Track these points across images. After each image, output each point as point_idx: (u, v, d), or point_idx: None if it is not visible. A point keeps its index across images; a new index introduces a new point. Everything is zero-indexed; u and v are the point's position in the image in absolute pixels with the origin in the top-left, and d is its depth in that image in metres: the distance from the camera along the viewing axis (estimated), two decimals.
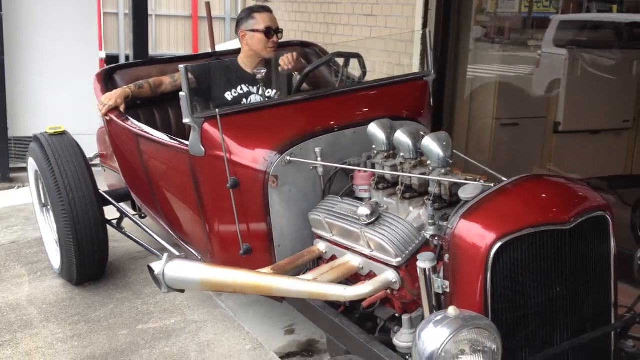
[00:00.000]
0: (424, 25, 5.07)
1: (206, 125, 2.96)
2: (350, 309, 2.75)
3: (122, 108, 3.76)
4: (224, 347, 3.47)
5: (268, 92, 3.71)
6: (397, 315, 2.61)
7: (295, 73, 3.63)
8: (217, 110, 2.91)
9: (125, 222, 4.28)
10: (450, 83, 5.15)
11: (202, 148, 3.00)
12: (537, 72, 5.91)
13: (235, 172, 2.95)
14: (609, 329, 2.39)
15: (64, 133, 4.14)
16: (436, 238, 2.30)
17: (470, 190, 2.36)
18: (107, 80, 4.00)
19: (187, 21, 13.19)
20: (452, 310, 1.97)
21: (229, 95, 3.72)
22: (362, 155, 3.02)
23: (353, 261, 2.71)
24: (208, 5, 7.00)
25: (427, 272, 2.27)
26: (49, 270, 4.39)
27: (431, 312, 2.33)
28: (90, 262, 4.03)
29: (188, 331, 3.64)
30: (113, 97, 3.79)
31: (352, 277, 2.76)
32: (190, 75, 3.02)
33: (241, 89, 3.73)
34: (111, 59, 10.47)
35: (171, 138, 3.33)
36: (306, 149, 2.98)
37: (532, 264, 2.21)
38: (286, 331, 3.65)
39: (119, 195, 4.32)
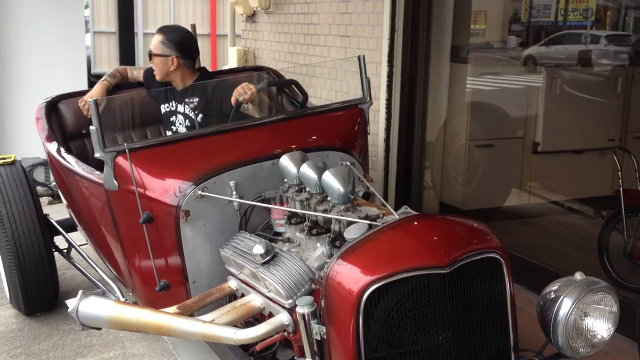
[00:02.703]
0: (390, 47, 4.96)
1: (119, 159, 2.90)
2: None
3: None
4: None
5: (189, 112, 3.69)
6: (295, 358, 2.51)
7: (248, 104, 3.55)
8: (125, 144, 2.85)
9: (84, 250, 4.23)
10: (420, 104, 5.02)
11: (116, 182, 2.94)
12: (513, 91, 5.76)
13: (149, 207, 2.89)
14: None
15: (13, 163, 4.12)
16: (313, 281, 2.20)
17: (354, 230, 2.26)
18: (49, 111, 3.96)
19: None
20: None
21: (163, 108, 3.84)
22: (279, 189, 2.93)
23: (255, 301, 2.61)
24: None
25: (306, 318, 2.17)
26: (5, 299, 4.37)
27: (313, 358, 2.23)
28: (37, 293, 3.99)
29: None
30: (94, 94, 3.91)
31: (261, 317, 2.67)
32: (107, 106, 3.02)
33: (171, 105, 3.77)
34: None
35: (91, 171, 3.27)
36: (221, 182, 2.90)
37: (411, 309, 2.09)
38: None
39: (72, 225, 4.29)
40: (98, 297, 2.69)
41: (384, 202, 2.51)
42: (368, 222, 2.29)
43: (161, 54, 3.71)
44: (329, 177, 2.54)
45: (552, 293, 2.26)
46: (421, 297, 2.09)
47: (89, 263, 3.92)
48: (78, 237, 4.22)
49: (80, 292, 2.66)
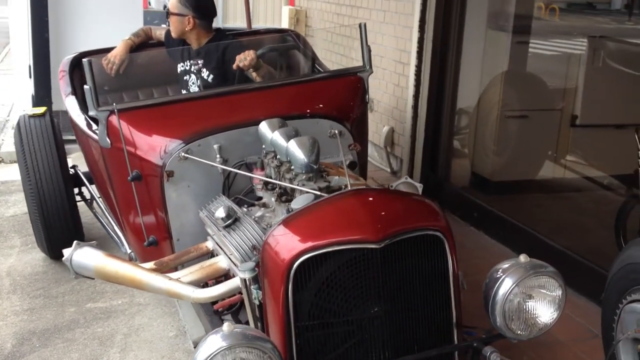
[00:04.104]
0: (422, 12, 4.88)
1: (112, 118, 3.02)
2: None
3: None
4: (149, 332, 3.56)
5: (203, 72, 3.76)
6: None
7: (251, 70, 3.60)
8: (114, 105, 2.96)
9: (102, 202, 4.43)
10: (451, 71, 4.93)
11: (108, 140, 3.07)
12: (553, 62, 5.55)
13: (138, 165, 3.01)
14: (440, 350, 2.25)
15: (43, 115, 4.33)
16: (254, 248, 2.26)
17: (300, 201, 2.30)
18: (73, 67, 4.11)
19: None
20: (226, 327, 1.93)
21: (179, 67, 3.91)
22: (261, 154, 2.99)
23: (221, 263, 2.70)
24: None
25: (246, 283, 2.24)
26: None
27: (255, 323, 2.30)
28: (59, 239, 4.20)
29: (127, 313, 3.76)
30: (117, 53, 4.01)
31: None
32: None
33: (186, 64, 3.86)
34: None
35: (90, 128, 3.41)
36: (206, 144, 2.98)
37: (343, 281, 2.12)
38: None
39: None
40: (90, 248, 2.83)
41: (347, 172, 2.50)
42: (316, 192, 2.32)
43: (178, 12, 3.78)
44: (293, 147, 2.57)
45: (497, 272, 2.25)
46: (353, 270, 2.11)
47: (105, 214, 4.12)
48: None
49: (75, 242, 2.80)
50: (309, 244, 2.10)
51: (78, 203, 4.40)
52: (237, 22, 12.11)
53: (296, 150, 2.56)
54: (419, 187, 3.17)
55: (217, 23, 15.31)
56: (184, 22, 3.79)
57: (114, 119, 3.01)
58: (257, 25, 15.62)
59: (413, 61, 5.00)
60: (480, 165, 5.23)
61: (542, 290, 2.21)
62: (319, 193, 2.31)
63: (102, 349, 3.43)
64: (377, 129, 5.76)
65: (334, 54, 6.44)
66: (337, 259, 2.10)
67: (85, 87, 2.98)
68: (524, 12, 5.27)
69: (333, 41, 6.56)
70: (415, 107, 5.06)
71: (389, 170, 5.64)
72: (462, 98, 5.07)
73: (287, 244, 2.13)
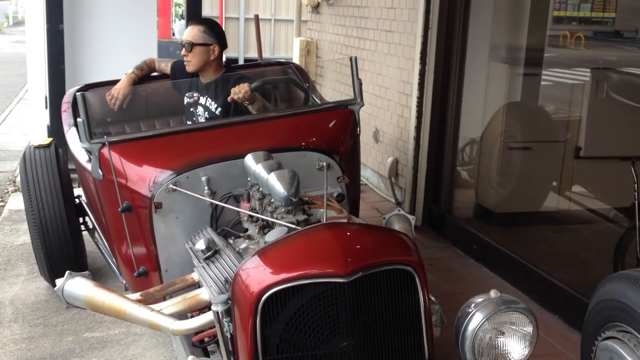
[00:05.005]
0: (423, 44, 4.92)
1: (104, 150, 3.09)
2: None
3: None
4: None
5: (211, 104, 3.82)
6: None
7: (246, 102, 3.66)
8: (105, 137, 3.03)
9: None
10: (453, 103, 4.95)
11: (100, 172, 3.14)
12: (556, 93, 5.54)
13: (129, 197, 3.07)
14: None
15: (48, 145, 4.43)
16: (227, 281, 2.28)
17: (274, 234, 2.33)
18: (75, 102, 4.20)
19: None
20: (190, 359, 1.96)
21: (186, 99, 3.94)
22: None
23: (203, 295, 2.70)
24: (257, 17, 7.20)
25: (219, 315, 2.27)
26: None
27: (227, 356, 2.32)
28: (61, 269, 4.26)
29: (123, 343, 3.80)
30: (120, 88, 4.08)
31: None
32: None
33: (193, 95, 3.89)
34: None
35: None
36: (194, 177, 3.03)
37: (312, 315, 2.13)
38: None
39: None
40: (81, 278, 2.86)
41: (330, 204, 2.53)
42: (289, 226, 2.35)
43: (203, 42, 3.84)
44: (272, 180, 2.61)
45: (469, 307, 2.25)
46: (322, 304, 2.12)
47: (105, 244, 4.18)
48: None
49: (67, 272, 2.85)
50: (278, 277, 2.12)
51: (84, 232, 4.49)
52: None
53: (275, 183, 2.59)
54: (412, 218, 3.18)
55: (239, 53, 15.64)
56: (208, 52, 3.84)
57: (105, 151, 3.07)
58: (278, 55, 15.91)
59: (415, 92, 5.04)
60: (484, 196, 5.23)
61: (512, 327, 2.20)
62: (292, 226, 2.34)
63: None
64: (382, 159, 5.79)
65: (342, 84, 6.51)
66: (305, 293, 2.12)
67: (78, 119, 3.05)
68: (534, 44, 5.28)
69: (341, 72, 6.63)
70: (417, 138, 5.08)
71: (393, 200, 5.65)
72: (465, 129, 5.09)
73: (257, 276, 2.16)
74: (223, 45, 3.91)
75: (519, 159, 5.21)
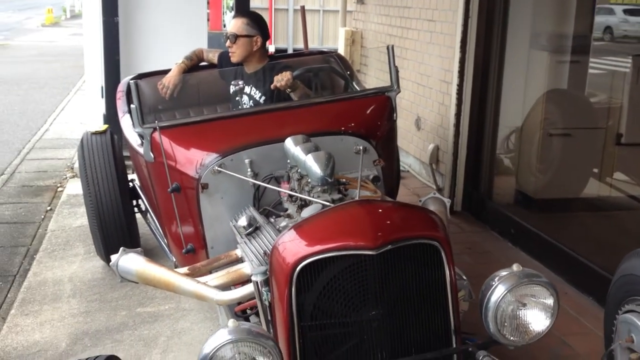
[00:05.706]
0: (464, 32, 5.01)
1: (155, 135, 3.30)
2: None
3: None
4: (190, 336, 3.82)
5: (255, 93, 4.00)
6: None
7: (288, 90, 3.83)
8: (156, 122, 3.24)
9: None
10: (493, 90, 5.04)
11: (152, 155, 3.35)
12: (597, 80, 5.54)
13: (178, 178, 3.28)
14: (436, 354, 2.38)
15: (104, 132, 4.69)
16: (265, 254, 2.46)
17: (309, 210, 2.49)
18: (129, 90, 4.43)
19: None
20: (231, 323, 2.14)
21: (232, 88, 4.12)
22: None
23: (245, 268, 2.90)
24: (302, 8, 7.36)
25: (258, 285, 2.45)
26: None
27: (266, 324, 2.50)
28: (115, 248, 4.50)
29: (173, 318, 4.03)
30: (171, 77, 4.27)
31: None
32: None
33: (239, 85, 4.10)
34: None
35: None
36: (238, 159, 3.22)
37: (344, 285, 2.29)
38: None
39: None
40: (134, 254, 3.10)
41: (363, 185, 2.68)
42: (323, 203, 2.51)
43: (247, 34, 4.02)
44: (310, 161, 2.77)
45: (492, 280, 2.37)
46: (353, 275, 2.28)
47: (156, 224, 4.41)
48: None
49: (121, 248, 3.08)
50: (312, 249, 2.28)
51: (137, 215, 4.75)
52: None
53: (312, 164, 2.76)
54: (447, 202, 3.30)
55: (288, 44, 15.86)
56: (251, 43, 4.02)
57: (156, 135, 3.29)
58: (326, 45, 16.07)
59: (455, 80, 5.13)
60: (524, 182, 5.30)
61: (533, 299, 2.32)
62: (326, 204, 2.50)
63: (146, 350, 3.70)
64: (423, 146, 5.90)
65: (384, 72, 6.59)
66: (337, 264, 2.28)
67: (132, 106, 3.27)
68: (579, 32, 5.30)
69: (384, 60, 6.73)
70: (457, 125, 5.18)
71: (434, 187, 5.76)
72: (505, 116, 5.16)
73: (292, 249, 2.33)
74: (265, 36, 4.08)
75: (559, 145, 5.26)
